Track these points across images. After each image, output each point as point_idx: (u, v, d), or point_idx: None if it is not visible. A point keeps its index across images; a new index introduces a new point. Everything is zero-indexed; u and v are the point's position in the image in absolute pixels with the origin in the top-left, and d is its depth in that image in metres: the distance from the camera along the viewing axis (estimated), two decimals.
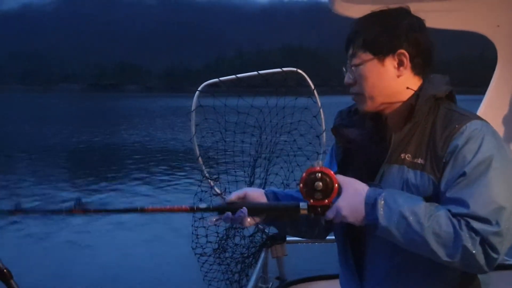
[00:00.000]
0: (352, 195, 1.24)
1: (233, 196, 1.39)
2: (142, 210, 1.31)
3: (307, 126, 2.74)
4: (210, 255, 2.72)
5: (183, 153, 16.97)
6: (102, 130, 27.03)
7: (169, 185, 11.85)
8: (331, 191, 1.24)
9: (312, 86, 2.65)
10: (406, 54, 1.33)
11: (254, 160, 2.76)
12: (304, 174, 1.26)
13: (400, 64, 1.33)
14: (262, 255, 2.59)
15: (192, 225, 2.70)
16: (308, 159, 2.71)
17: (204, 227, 2.69)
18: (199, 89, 2.61)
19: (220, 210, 1.35)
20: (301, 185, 1.26)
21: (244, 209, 1.31)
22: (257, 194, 1.42)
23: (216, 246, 2.72)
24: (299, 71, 2.65)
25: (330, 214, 1.25)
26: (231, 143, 2.69)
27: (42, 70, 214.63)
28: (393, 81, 1.34)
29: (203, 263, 2.74)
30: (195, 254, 2.71)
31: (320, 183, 1.24)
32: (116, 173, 13.87)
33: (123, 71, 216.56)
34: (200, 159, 2.71)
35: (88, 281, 5.98)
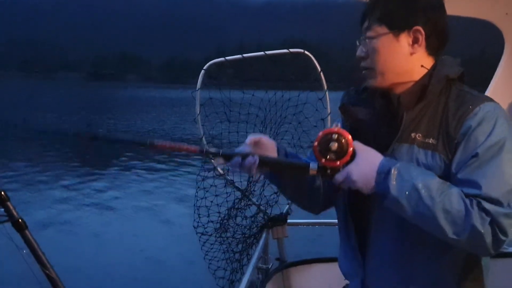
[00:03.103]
0: (365, 161, 1.23)
1: (249, 139, 1.36)
2: (151, 144, 1.29)
3: (313, 108, 2.73)
4: (211, 235, 2.72)
5: (190, 143, 16.91)
6: (101, 118, 26.99)
7: (168, 175, 11.85)
8: (345, 153, 1.22)
9: (319, 68, 2.64)
10: (422, 31, 1.31)
11: None
12: (320, 133, 1.24)
13: (415, 41, 1.32)
14: (263, 235, 2.60)
15: (194, 204, 2.71)
16: (312, 141, 2.71)
17: (206, 206, 2.70)
18: (204, 68, 2.60)
19: (230, 157, 1.31)
20: (315, 143, 1.24)
21: (256, 157, 1.29)
22: (270, 144, 1.39)
23: (218, 225, 2.72)
24: (306, 52, 2.64)
25: (339, 177, 1.24)
26: (236, 123, 2.68)
27: (41, 58, 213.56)
28: (405, 58, 1.33)
29: (204, 242, 2.74)
30: (197, 233, 2.72)
31: (336, 144, 1.22)
32: (112, 162, 13.86)
33: (123, 61, 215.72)
34: (203, 139, 2.71)
35: None
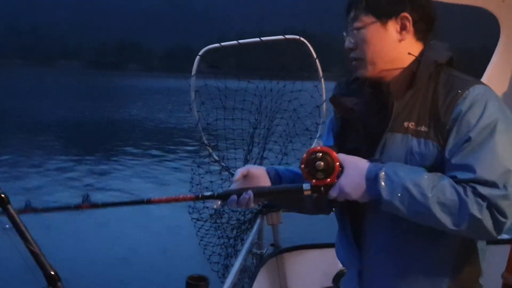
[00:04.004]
0: (353, 172, 1.23)
1: (237, 175, 1.39)
2: (148, 202, 1.33)
3: (308, 96, 2.74)
4: (206, 221, 2.74)
5: (184, 131, 17.00)
6: (101, 107, 27.00)
7: (165, 162, 11.90)
8: (332, 170, 1.23)
9: (314, 55, 2.64)
10: (409, 18, 1.31)
11: (253, 128, 2.77)
12: (304, 155, 1.25)
13: (403, 28, 1.31)
14: (258, 221, 2.62)
15: (189, 190, 2.73)
16: (307, 129, 2.73)
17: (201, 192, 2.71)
18: (199, 53, 2.60)
19: (224, 197, 1.34)
20: (302, 166, 1.25)
21: (249, 192, 1.32)
22: (258, 171, 1.41)
23: (213, 211, 2.74)
24: (302, 39, 2.64)
25: (333, 193, 1.24)
26: (231, 110, 2.69)
27: (42, 46, 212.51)
28: (394, 45, 1.32)
29: (199, 228, 2.77)
30: (192, 219, 2.74)
31: (322, 163, 1.23)
32: (113, 150, 13.90)
33: (124, 49, 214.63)
34: (199, 125, 2.72)
35: None
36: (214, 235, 2.77)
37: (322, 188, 1.25)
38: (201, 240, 2.77)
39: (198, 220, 2.75)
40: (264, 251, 2.70)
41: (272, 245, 2.78)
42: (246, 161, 2.64)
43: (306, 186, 1.27)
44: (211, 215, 2.73)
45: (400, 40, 1.32)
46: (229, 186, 2.68)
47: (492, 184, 1.14)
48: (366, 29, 1.32)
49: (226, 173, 2.70)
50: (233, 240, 2.72)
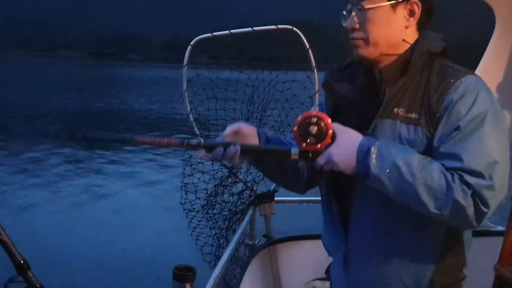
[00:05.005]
0: (345, 142, 1.23)
1: (228, 129, 1.36)
2: (130, 141, 1.29)
3: (301, 86, 2.72)
4: (198, 211, 2.74)
5: (177, 121, 17.03)
6: (100, 97, 27.00)
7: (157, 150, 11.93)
8: (324, 136, 1.23)
9: (307, 45, 2.62)
10: (420, 4, 1.31)
11: (246, 119, 2.75)
12: (299, 117, 1.25)
13: (411, 14, 1.32)
14: (250, 212, 2.61)
15: (181, 181, 2.72)
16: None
17: (193, 183, 2.71)
18: (191, 43, 2.58)
19: (211, 148, 1.31)
20: (295, 128, 1.25)
21: (237, 146, 1.29)
22: (249, 130, 1.39)
23: (205, 202, 2.74)
24: (294, 29, 2.62)
25: (321, 160, 1.25)
26: (223, 100, 2.68)
27: (42, 36, 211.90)
28: (400, 31, 1.33)
29: (191, 219, 2.76)
30: (184, 209, 2.74)
31: (315, 127, 1.23)
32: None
33: (123, 40, 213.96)
34: (190, 116, 2.71)
35: None
36: (206, 226, 2.76)
37: (310, 154, 1.25)
38: (193, 230, 2.77)
39: (190, 210, 2.74)
40: (257, 242, 2.70)
41: (264, 236, 2.78)
42: None
43: (294, 150, 1.26)
44: (203, 206, 2.73)
45: (406, 27, 1.33)
46: (220, 176, 2.69)
47: (478, 174, 1.15)
48: (376, 10, 1.31)
49: (218, 163, 2.69)
50: (225, 231, 2.71)
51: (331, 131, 1.23)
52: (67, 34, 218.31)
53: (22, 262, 0.82)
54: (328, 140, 1.23)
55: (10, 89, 28.76)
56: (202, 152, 1.32)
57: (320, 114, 1.24)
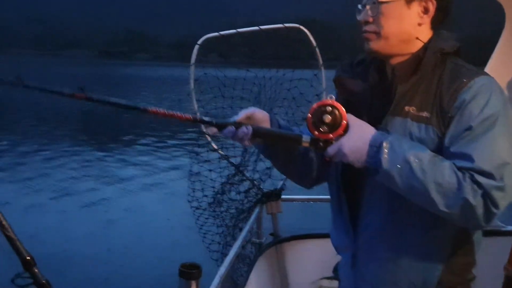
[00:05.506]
0: (358, 134, 1.22)
1: (242, 114, 1.35)
2: (144, 110, 1.29)
3: (308, 85, 2.72)
4: (205, 209, 2.75)
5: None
6: (108, 96, 27.17)
7: (164, 149, 11.98)
8: (338, 126, 1.22)
9: (314, 43, 2.62)
10: (434, 2, 1.31)
11: None
12: (314, 105, 1.24)
13: (425, 11, 1.32)
14: (256, 210, 2.62)
15: (188, 179, 2.73)
16: (305, 119, 2.70)
17: (200, 181, 2.72)
18: (198, 42, 2.58)
19: (223, 126, 1.31)
20: (309, 115, 1.24)
21: (249, 127, 1.29)
22: (262, 116, 1.38)
23: (212, 200, 2.74)
24: (302, 27, 2.61)
25: (331, 150, 1.24)
26: (230, 99, 2.68)
27: (53, 36, 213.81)
28: (413, 27, 1.32)
29: (199, 216, 2.77)
30: (191, 207, 2.75)
31: (329, 116, 1.22)
32: (118, 139, 14.02)
33: (133, 39, 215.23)
34: (198, 114, 2.71)
35: None
36: (213, 223, 2.77)
37: (322, 143, 1.24)
38: (200, 228, 2.78)
39: (197, 208, 2.75)
40: (263, 240, 2.70)
41: (271, 234, 2.78)
42: (245, 150, 2.63)
43: (306, 137, 1.25)
44: (209, 204, 2.74)
45: (419, 24, 1.32)
46: (227, 175, 2.70)
47: (489, 175, 1.14)
48: (390, 4, 1.31)
49: (225, 161, 2.70)
50: (232, 229, 2.72)
51: (345, 122, 1.22)
52: (77, 33, 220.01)
53: (28, 258, 0.83)
54: (341, 130, 1.22)
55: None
56: (213, 129, 1.32)
57: (336, 103, 1.23)
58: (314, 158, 1.49)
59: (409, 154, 1.16)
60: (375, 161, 1.19)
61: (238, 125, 1.30)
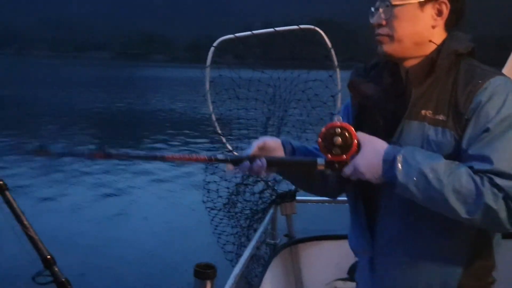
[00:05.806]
0: (370, 152, 1.22)
1: (254, 146, 1.37)
2: (162, 158, 1.34)
3: (323, 86, 2.72)
4: (220, 210, 2.77)
5: (200, 121, 17.23)
6: (124, 97, 27.52)
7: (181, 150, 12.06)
8: (350, 147, 1.23)
9: (329, 45, 2.61)
10: (448, 4, 1.30)
11: (267, 118, 2.77)
12: (323, 129, 1.25)
13: (439, 13, 1.31)
14: (271, 211, 2.62)
15: (203, 180, 2.76)
16: (321, 118, 2.71)
17: (215, 181, 2.74)
18: (214, 44, 2.61)
19: (236, 162, 1.33)
20: (319, 139, 1.25)
21: (263, 160, 1.31)
22: (274, 144, 1.40)
23: (226, 201, 2.76)
24: (317, 29, 2.61)
25: (347, 171, 1.24)
26: (245, 100, 2.70)
27: (71, 38, 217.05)
28: (426, 30, 1.31)
29: (213, 217, 2.79)
30: (206, 207, 2.77)
31: (339, 138, 1.22)
32: (135, 139, 14.18)
33: (150, 41, 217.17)
34: (213, 115, 2.73)
35: None
36: (228, 224, 2.79)
37: (337, 165, 1.25)
38: (215, 228, 2.80)
39: (212, 209, 2.77)
40: (278, 241, 2.70)
41: (286, 235, 2.78)
42: None
43: (320, 160, 1.26)
44: (224, 205, 2.76)
45: (433, 27, 1.31)
46: (242, 175, 2.71)
47: (509, 176, 1.12)
48: (403, 7, 1.30)
49: None
50: (246, 230, 2.73)
51: (355, 141, 1.23)
52: (94, 35, 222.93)
53: (48, 257, 0.85)
54: (353, 150, 1.23)
55: (40, 89, 29.59)
56: (230, 167, 1.35)
57: (345, 124, 1.24)
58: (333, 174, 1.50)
59: (423, 166, 1.15)
60: (391, 176, 1.19)
61: (252, 158, 1.32)
